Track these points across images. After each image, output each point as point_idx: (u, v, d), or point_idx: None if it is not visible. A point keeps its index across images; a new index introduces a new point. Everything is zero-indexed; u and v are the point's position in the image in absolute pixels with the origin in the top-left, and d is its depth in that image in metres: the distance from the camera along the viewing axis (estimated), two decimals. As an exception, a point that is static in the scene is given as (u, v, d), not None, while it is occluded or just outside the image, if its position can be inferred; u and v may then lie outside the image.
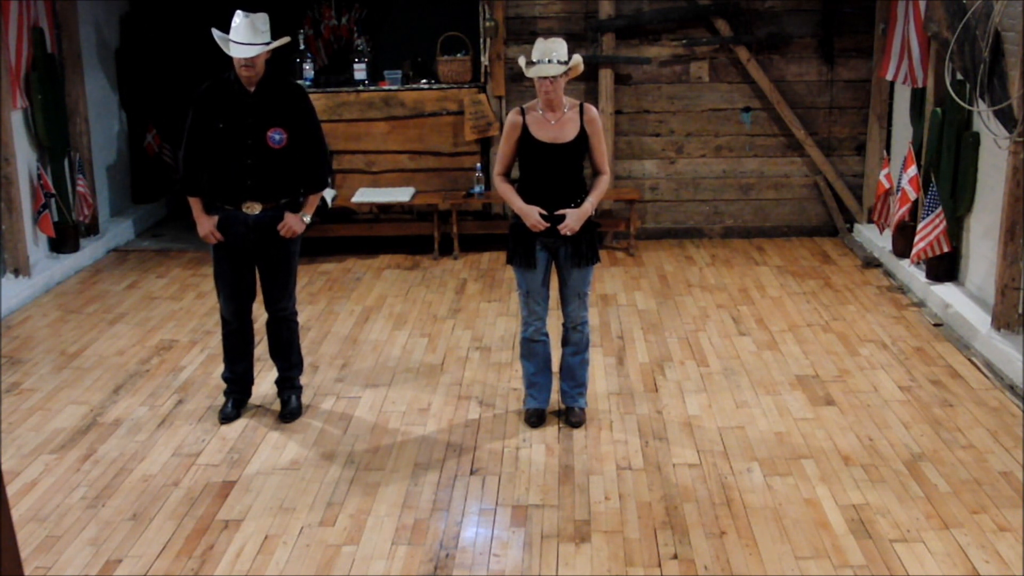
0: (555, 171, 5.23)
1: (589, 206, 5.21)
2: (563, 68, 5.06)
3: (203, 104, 5.29)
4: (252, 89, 5.24)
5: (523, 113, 5.22)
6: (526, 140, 5.20)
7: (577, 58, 5.14)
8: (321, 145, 5.46)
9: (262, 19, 5.16)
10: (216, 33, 5.23)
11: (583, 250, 5.26)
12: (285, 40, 5.33)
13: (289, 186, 5.40)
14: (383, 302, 7.67)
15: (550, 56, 5.04)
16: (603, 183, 5.28)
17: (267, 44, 5.17)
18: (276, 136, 5.27)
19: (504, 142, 5.28)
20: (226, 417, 5.59)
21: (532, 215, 5.17)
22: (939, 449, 5.12)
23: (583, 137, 5.21)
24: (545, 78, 5.06)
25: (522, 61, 5.22)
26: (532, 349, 5.45)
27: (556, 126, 5.19)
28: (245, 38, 5.10)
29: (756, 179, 9.23)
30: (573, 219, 5.17)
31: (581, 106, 5.25)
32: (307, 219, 5.45)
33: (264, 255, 5.43)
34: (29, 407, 5.84)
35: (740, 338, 6.73)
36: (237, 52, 5.11)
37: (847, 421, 5.46)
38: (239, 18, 5.12)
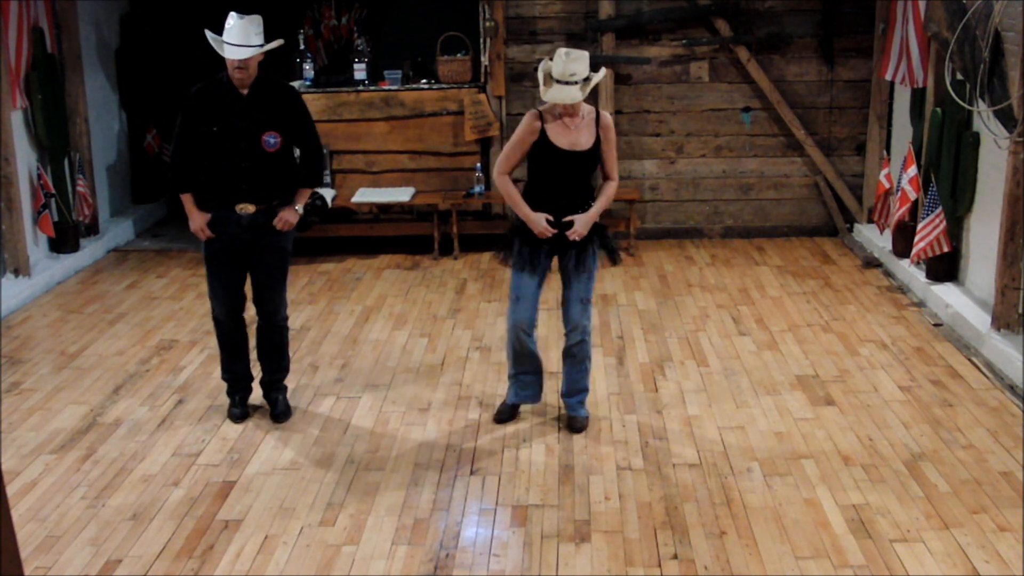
0: (569, 178, 5.16)
1: (595, 212, 5.18)
2: (583, 95, 4.94)
3: (195, 106, 5.26)
4: (245, 91, 5.23)
5: (541, 118, 5.10)
6: (543, 146, 5.09)
7: (599, 75, 5.04)
8: (316, 145, 5.44)
9: (256, 21, 5.14)
10: (210, 35, 5.22)
11: (590, 256, 5.22)
12: (279, 43, 5.32)
13: (283, 187, 5.38)
14: (383, 302, 7.67)
15: (570, 77, 4.89)
16: (611, 189, 5.25)
17: (261, 46, 5.15)
18: (271, 139, 5.25)
19: (517, 144, 5.15)
20: (235, 416, 5.58)
21: (540, 223, 5.12)
22: (939, 449, 5.12)
23: (599, 144, 5.15)
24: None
25: (540, 75, 5.03)
26: (521, 341, 5.34)
27: (575, 132, 5.09)
28: (239, 40, 5.08)
29: (756, 179, 9.23)
30: (581, 224, 5.15)
31: (597, 113, 5.18)
32: (299, 209, 5.43)
33: (257, 255, 5.41)
34: (29, 407, 5.85)
35: (740, 338, 6.73)
36: (231, 54, 5.09)
37: (847, 421, 5.46)
38: (233, 20, 5.11)
